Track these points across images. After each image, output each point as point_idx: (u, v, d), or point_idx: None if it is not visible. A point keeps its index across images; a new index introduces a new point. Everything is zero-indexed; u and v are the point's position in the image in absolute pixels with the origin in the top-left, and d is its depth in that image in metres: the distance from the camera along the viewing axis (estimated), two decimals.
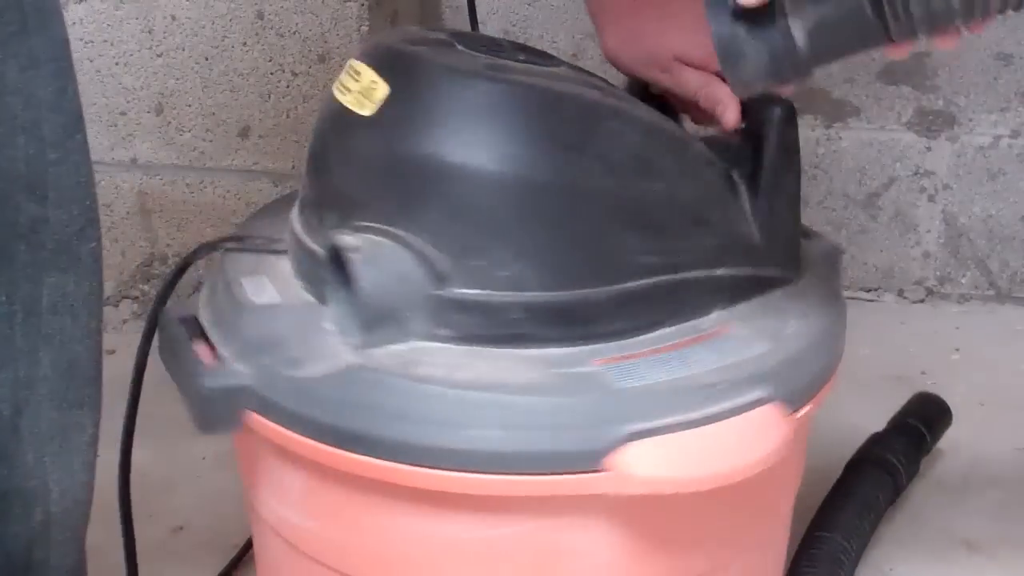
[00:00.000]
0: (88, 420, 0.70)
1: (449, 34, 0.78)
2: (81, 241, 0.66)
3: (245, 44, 1.37)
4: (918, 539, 1.08)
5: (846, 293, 1.49)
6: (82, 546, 0.75)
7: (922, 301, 1.47)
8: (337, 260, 0.69)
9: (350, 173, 0.74)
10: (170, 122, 1.42)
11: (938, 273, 1.46)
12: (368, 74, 0.74)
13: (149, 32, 1.38)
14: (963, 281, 1.46)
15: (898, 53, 0.68)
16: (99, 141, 1.43)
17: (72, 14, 1.39)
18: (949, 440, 1.21)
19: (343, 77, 0.75)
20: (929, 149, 1.43)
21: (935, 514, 1.10)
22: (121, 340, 1.47)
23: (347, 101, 0.74)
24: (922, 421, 1.16)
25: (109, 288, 1.49)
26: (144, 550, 1.10)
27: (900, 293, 1.47)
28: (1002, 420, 1.24)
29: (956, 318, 1.43)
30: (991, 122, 1.40)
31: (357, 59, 0.75)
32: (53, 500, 0.70)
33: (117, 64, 1.40)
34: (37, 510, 0.69)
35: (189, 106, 1.41)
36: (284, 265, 0.78)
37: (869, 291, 1.47)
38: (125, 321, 1.49)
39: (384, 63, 0.74)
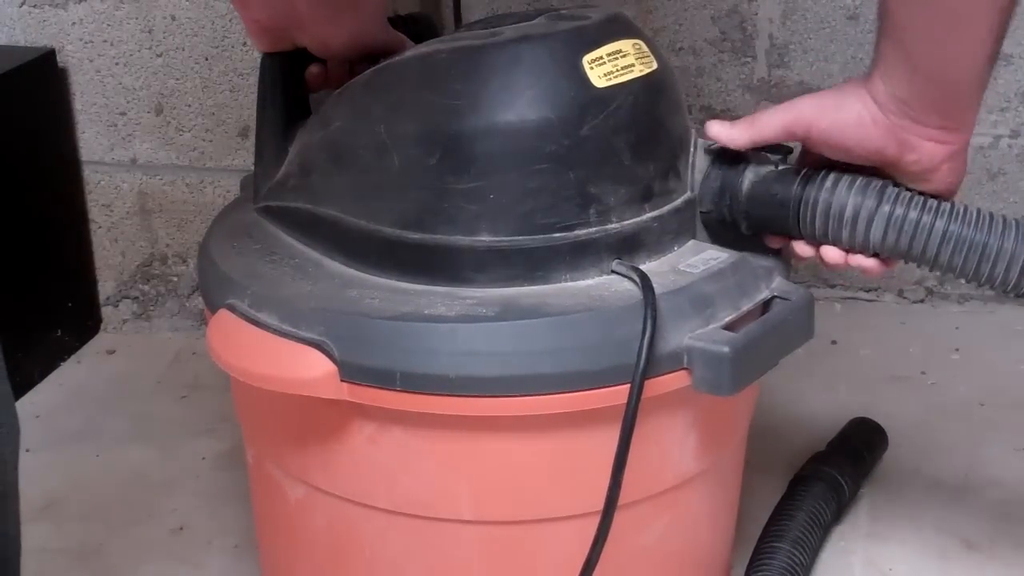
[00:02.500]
0: (9, 390, 0.71)
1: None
2: None
3: (245, 44, 1.37)
4: (918, 539, 1.08)
5: (846, 293, 1.49)
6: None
7: (922, 301, 1.46)
8: None
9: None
10: (170, 122, 1.42)
11: (938, 273, 1.46)
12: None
13: (149, 32, 1.38)
14: (963, 281, 1.46)
15: (802, 252, 0.84)
16: (99, 141, 1.43)
17: (72, 14, 1.39)
18: (949, 440, 1.21)
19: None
20: None
21: (935, 514, 1.10)
22: (121, 340, 1.47)
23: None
24: (863, 444, 1.15)
25: (109, 288, 1.49)
26: (144, 550, 1.11)
27: (900, 293, 1.47)
28: (1002, 420, 1.24)
29: (956, 318, 1.43)
30: (991, 122, 1.40)
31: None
32: (9, 470, 0.70)
33: (117, 64, 1.40)
34: None
35: (189, 106, 1.41)
36: None
37: (869, 291, 1.47)
38: (125, 321, 1.49)
39: None
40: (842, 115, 0.79)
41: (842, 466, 1.09)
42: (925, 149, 0.78)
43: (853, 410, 1.20)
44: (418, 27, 0.97)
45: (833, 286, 1.47)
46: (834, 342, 1.37)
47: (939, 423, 1.24)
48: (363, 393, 0.78)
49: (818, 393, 1.27)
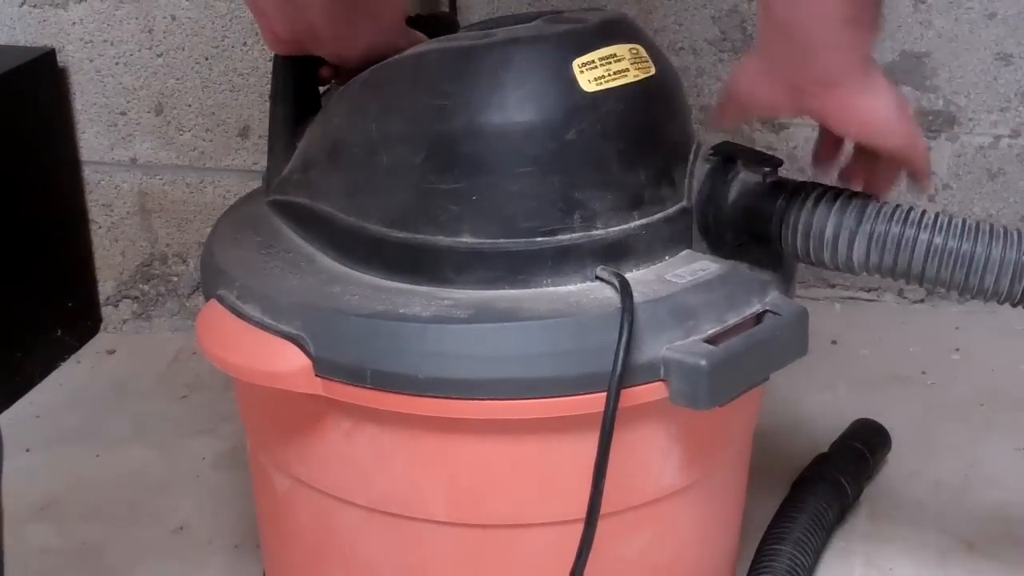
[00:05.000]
0: None
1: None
2: None
3: (245, 44, 1.37)
4: (918, 539, 1.08)
5: (846, 293, 1.49)
6: None
7: (922, 301, 1.46)
8: None
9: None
10: (170, 122, 1.42)
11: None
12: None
13: (149, 32, 1.39)
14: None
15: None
16: (99, 141, 1.43)
17: (72, 14, 1.39)
18: (949, 440, 1.21)
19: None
20: (929, 149, 1.43)
21: (935, 514, 1.10)
22: (121, 340, 1.48)
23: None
24: (865, 445, 1.14)
25: (109, 288, 1.49)
26: (144, 550, 1.11)
27: (900, 293, 1.47)
28: (1002, 420, 1.24)
29: (956, 318, 1.43)
30: (991, 122, 1.40)
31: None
32: None
33: (117, 64, 1.40)
34: None
35: (189, 106, 1.41)
36: None
37: (869, 291, 1.47)
38: (125, 321, 1.49)
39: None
40: (745, 70, 0.81)
41: (845, 468, 1.09)
42: (810, 97, 0.77)
43: (853, 410, 1.20)
44: (439, 27, 0.97)
45: (833, 286, 1.47)
46: (834, 342, 1.37)
47: (939, 423, 1.24)
48: (337, 389, 0.78)
49: (818, 393, 1.27)
